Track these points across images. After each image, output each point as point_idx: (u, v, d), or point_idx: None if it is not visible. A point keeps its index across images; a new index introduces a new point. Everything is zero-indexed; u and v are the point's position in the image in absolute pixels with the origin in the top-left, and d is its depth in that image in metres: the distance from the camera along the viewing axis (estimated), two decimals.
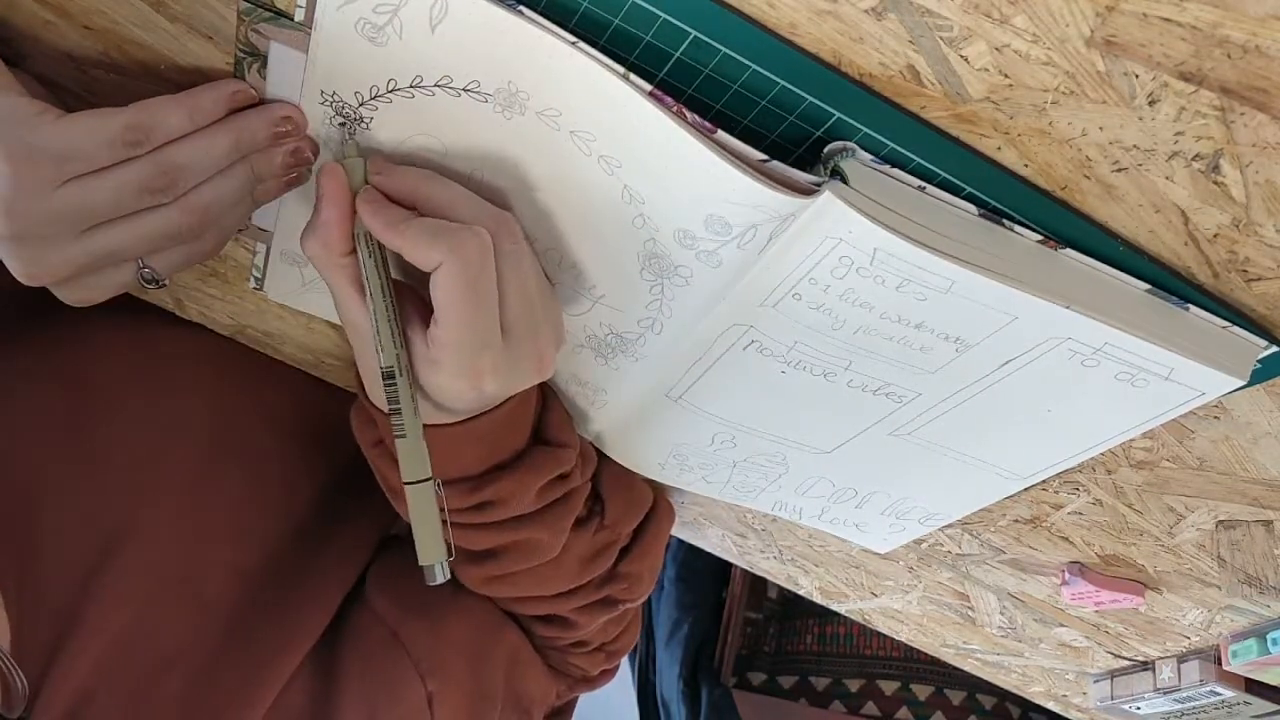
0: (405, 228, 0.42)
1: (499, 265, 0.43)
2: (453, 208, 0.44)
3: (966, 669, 0.80)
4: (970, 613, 0.71)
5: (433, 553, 0.47)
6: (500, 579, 0.59)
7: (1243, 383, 0.43)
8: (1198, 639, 0.64)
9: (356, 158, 0.44)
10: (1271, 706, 0.67)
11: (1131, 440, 0.49)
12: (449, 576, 0.48)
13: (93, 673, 0.52)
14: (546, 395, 0.57)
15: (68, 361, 0.58)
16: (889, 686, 0.98)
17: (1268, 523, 0.53)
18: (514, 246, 0.44)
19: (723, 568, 1.10)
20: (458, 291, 0.42)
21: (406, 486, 0.47)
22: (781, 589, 0.91)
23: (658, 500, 0.65)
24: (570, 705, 0.72)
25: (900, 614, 0.76)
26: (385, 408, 0.49)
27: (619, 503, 0.62)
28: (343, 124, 0.44)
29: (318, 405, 0.63)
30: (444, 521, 0.48)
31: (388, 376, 0.46)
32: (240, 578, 0.58)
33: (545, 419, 0.56)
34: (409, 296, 0.46)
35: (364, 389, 0.52)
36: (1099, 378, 0.45)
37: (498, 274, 0.43)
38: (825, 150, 0.40)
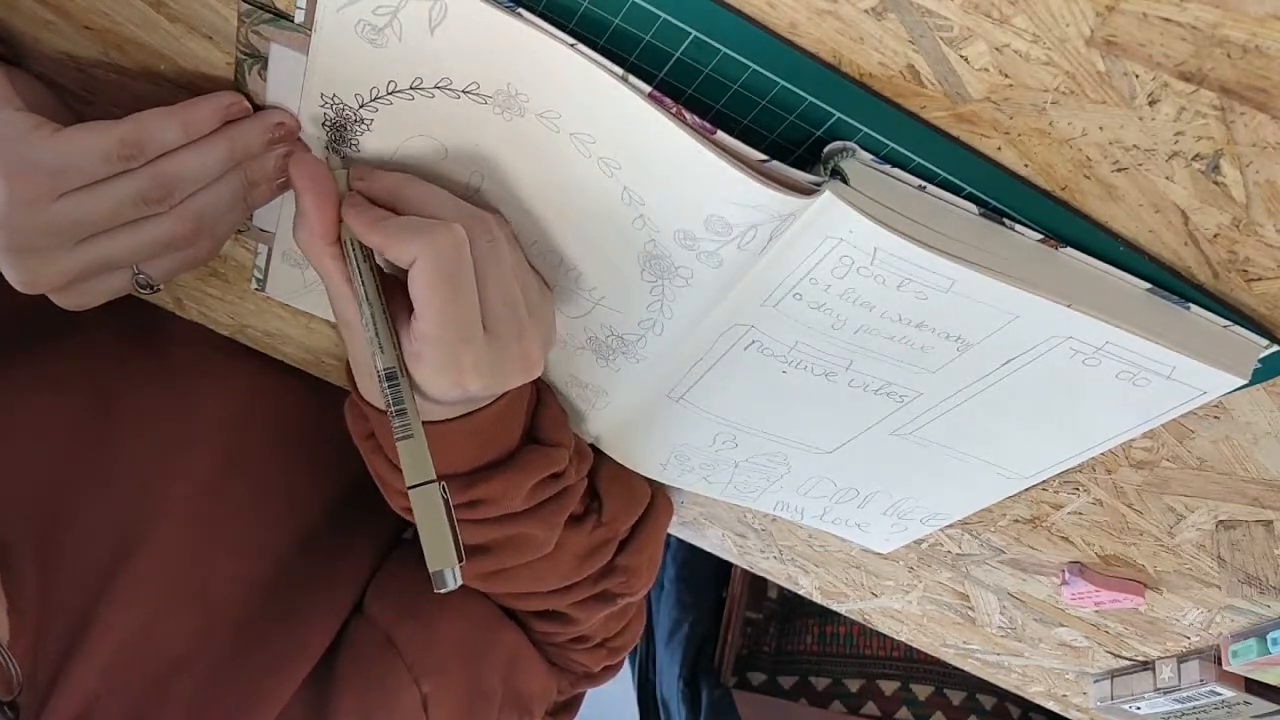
0: (383, 225, 0.43)
1: (476, 261, 0.44)
2: (431, 206, 0.44)
3: (966, 669, 0.80)
4: (970, 613, 0.71)
5: (441, 558, 0.45)
6: (496, 575, 0.59)
7: (1244, 382, 0.43)
8: (1198, 639, 0.64)
9: (340, 169, 0.45)
10: (1271, 706, 0.67)
11: (1132, 440, 0.49)
12: (460, 583, 0.45)
13: (102, 675, 0.53)
14: (541, 394, 0.57)
15: (94, 373, 0.59)
16: (889, 686, 0.98)
17: (1268, 523, 0.53)
18: (490, 243, 0.44)
19: (723, 568, 1.10)
20: (432, 285, 0.43)
21: (410, 490, 0.46)
22: (781, 589, 0.91)
23: (656, 495, 0.65)
24: (576, 700, 0.72)
25: (900, 614, 0.76)
26: (377, 403, 0.49)
27: (617, 500, 0.62)
28: (339, 126, 0.44)
29: (327, 419, 0.63)
30: (453, 525, 0.46)
31: (389, 377, 0.45)
32: (247, 587, 0.59)
33: (539, 418, 0.56)
34: (398, 294, 0.46)
35: (355, 384, 0.52)
36: (1100, 377, 0.45)
37: (476, 270, 0.44)
38: (825, 150, 0.40)
